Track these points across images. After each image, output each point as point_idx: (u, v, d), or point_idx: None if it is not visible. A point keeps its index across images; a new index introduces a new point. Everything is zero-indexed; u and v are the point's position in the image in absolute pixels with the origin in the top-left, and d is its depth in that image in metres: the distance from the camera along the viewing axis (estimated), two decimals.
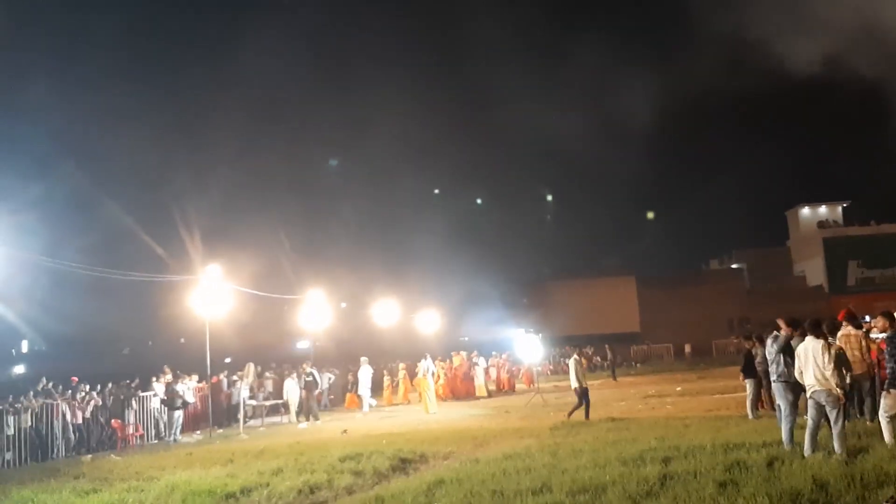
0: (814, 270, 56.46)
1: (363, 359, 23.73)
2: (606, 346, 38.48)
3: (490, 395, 26.30)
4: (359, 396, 23.37)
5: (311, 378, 21.36)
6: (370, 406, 23.09)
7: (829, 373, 8.07)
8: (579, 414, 15.88)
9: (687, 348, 44.27)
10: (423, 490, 8.44)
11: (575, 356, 16.38)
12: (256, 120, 74.15)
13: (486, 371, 28.36)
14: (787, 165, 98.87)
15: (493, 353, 30.03)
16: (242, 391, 20.48)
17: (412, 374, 24.95)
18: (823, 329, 8.58)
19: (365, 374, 23.15)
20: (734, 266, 59.65)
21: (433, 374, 23.06)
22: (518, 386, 29.83)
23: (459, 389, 26.01)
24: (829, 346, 8.29)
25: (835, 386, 8.05)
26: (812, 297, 49.30)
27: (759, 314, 37.75)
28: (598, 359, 41.28)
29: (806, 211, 59.48)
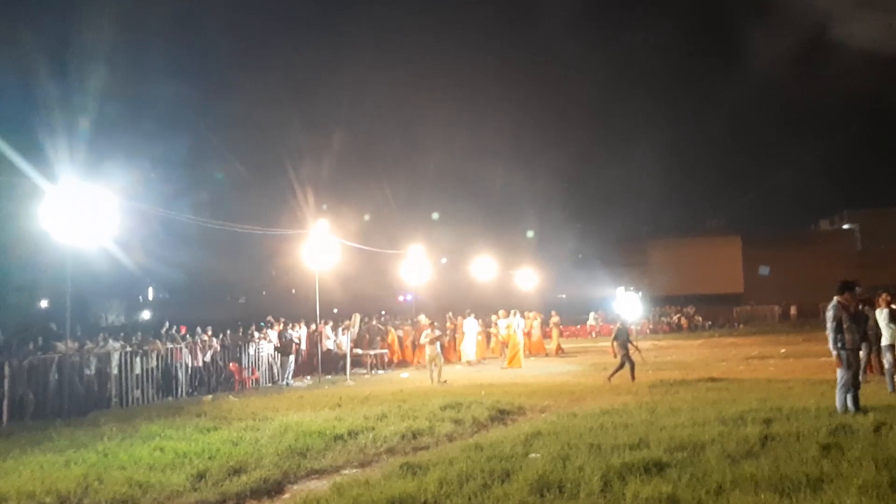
0: None
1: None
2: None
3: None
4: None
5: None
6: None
7: None
8: (671, 374, 15.84)
9: (793, 310, 42.78)
10: (521, 440, 8.62)
11: None
12: (366, 82, 75.41)
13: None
14: None
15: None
16: (348, 339, 21.29)
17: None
18: None
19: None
20: (845, 227, 56.77)
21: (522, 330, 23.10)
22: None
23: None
24: None
25: None
26: None
27: (870, 277, 36.01)
28: (700, 319, 40.59)
29: None
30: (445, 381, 17.13)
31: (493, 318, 25.47)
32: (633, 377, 15.56)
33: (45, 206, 13.02)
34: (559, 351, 26.91)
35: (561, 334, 29.28)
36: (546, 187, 58.55)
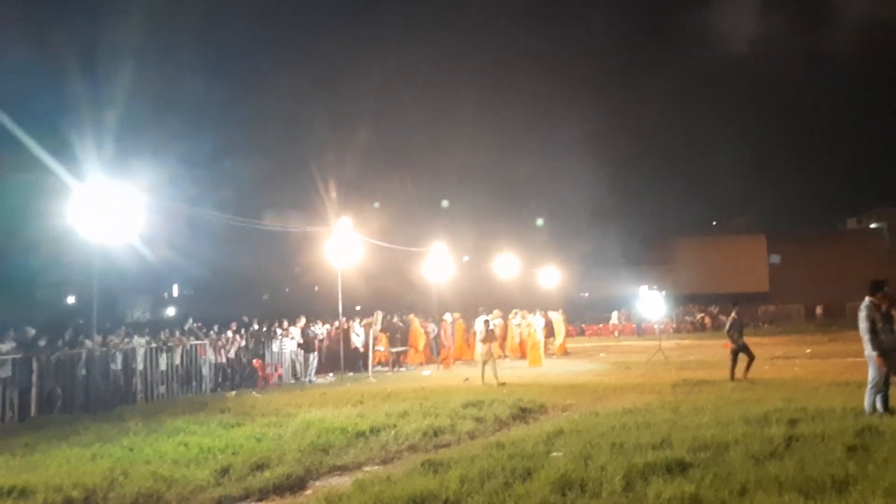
0: None
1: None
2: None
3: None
4: None
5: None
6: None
7: None
8: (695, 373, 15.54)
9: (818, 309, 42.24)
10: (543, 439, 8.62)
11: None
12: (391, 79, 75.68)
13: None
14: None
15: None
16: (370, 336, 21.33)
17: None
18: None
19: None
20: (873, 225, 55.96)
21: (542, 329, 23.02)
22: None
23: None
24: None
25: None
26: None
27: None
28: (723, 318, 40.22)
29: None
30: (504, 384, 15.65)
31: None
32: (747, 370, 14.56)
33: (73, 204, 13.18)
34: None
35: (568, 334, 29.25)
36: (571, 185, 58.31)
